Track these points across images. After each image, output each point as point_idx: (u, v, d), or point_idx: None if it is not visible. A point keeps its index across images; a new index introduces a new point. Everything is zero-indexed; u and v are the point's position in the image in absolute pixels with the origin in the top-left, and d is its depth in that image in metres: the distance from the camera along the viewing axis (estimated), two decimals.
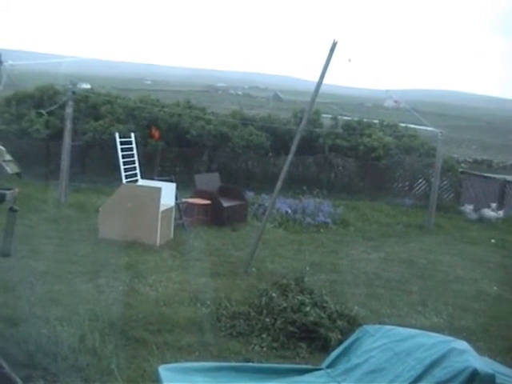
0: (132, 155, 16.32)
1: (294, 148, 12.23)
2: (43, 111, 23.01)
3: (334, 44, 11.51)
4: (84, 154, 24.02)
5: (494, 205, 22.67)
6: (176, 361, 7.11)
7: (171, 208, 15.14)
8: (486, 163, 34.77)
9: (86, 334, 7.81)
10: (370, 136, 26.21)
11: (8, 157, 7.82)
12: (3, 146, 7.74)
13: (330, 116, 30.40)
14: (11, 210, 7.74)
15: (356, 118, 30.15)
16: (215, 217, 17.08)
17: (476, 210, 23.05)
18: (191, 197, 17.60)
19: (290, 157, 12.31)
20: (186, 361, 7.18)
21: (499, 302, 12.12)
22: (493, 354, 7.40)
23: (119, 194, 14.42)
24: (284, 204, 19.09)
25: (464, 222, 22.21)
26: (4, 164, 7.46)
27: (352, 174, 26.03)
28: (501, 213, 22.33)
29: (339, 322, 8.91)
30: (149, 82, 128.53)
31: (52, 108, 21.02)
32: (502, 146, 57.03)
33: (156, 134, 22.46)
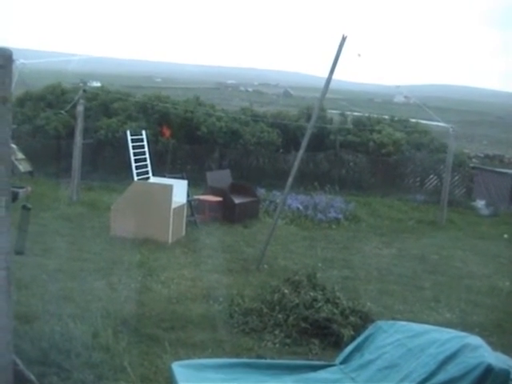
0: (143, 153, 16.35)
1: (304, 144, 12.21)
2: (62, 111, 23.08)
3: (344, 39, 11.48)
4: (95, 152, 24.07)
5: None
6: (189, 358, 7.10)
7: (183, 205, 15.16)
8: (498, 158, 34.62)
9: (99, 331, 7.84)
10: (380, 132, 26.18)
11: (20, 155, 7.88)
12: (15, 144, 7.79)
13: (339, 112, 30.33)
14: (24, 208, 7.77)
15: (366, 114, 30.12)
16: (227, 214, 17.10)
17: (488, 205, 23.00)
18: (203, 194, 17.64)
19: (301, 153, 12.29)
20: (199, 357, 7.18)
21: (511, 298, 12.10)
22: (506, 350, 7.38)
23: (131, 192, 14.44)
24: (295, 200, 19.10)
25: (476, 217, 22.17)
26: (17, 162, 7.52)
27: (363, 169, 25.98)
28: None
29: (352, 318, 8.89)
30: (159, 80, 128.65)
31: (67, 108, 21.08)
32: None
33: (167, 132, 22.50)
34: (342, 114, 29.12)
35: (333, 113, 29.51)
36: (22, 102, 26.08)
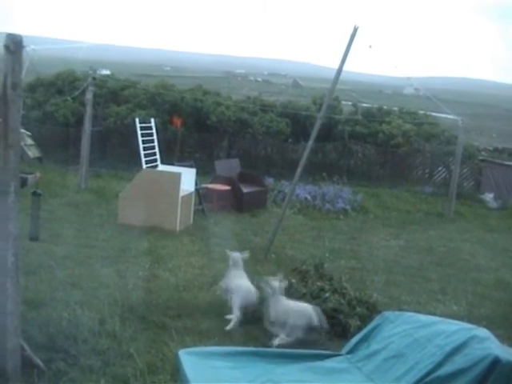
0: (152, 141, 16.35)
1: (314, 134, 12.19)
2: (68, 97, 23.14)
3: (355, 30, 11.45)
4: (104, 139, 24.09)
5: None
6: (196, 345, 7.11)
7: (191, 194, 15.17)
8: (507, 151, 34.50)
9: (106, 318, 7.85)
10: (389, 123, 26.15)
11: (30, 141, 7.89)
12: (25, 130, 7.80)
13: (349, 103, 30.33)
14: (35, 194, 7.79)
15: (376, 105, 30.09)
16: (235, 203, 17.11)
17: (496, 198, 22.97)
18: (211, 182, 17.64)
19: (310, 143, 12.27)
20: (206, 345, 7.19)
21: None
22: None
23: (139, 180, 14.45)
24: (303, 190, 19.11)
25: (484, 209, 22.17)
26: (26, 148, 7.53)
27: (372, 161, 25.98)
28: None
29: (358, 309, 8.89)
30: (168, 69, 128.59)
31: (76, 94, 21.12)
32: None
33: (178, 121, 22.50)
34: (354, 105, 29.13)
35: (343, 104, 29.48)
36: (33, 87, 26.14)
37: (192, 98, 25.40)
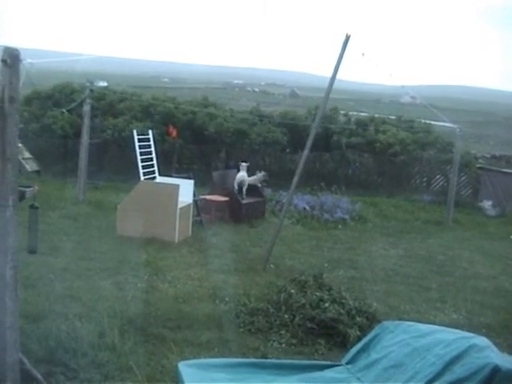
0: (150, 152, 16.38)
1: (309, 144, 12.20)
2: (64, 110, 23.17)
3: (347, 38, 11.48)
4: (102, 151, 24.12)
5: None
6: (195, 357, 7.11)
7: (189, 205, 15.18)
8: (505, 159, 34.52)
9: (106, 331, 7.84)
10: (385, 133, 26.20)
11: (27, 154, 7.90)
12: (22, 143, 7.81)
13: (344, 112, 30.41)
14: (32, 207, 7.81)
15: (375, 115, 30.17)
16: (233, 213, 17.11)
17: (494, 205, 22.98)
18: (209, 193, 17.65)
19: (306, 153, 12.28)
20: (206, 357, 7.18)
21: None
22: None
23: (137, 191, 14.46)
24: (302, 200, 19.11)
25: (483, 217, 22.17)
26: (24, 161, 7.53)
27: (369, 170, 26.02)
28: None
29: (358, 319, 8.89)
30: (166, 80, 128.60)
31: (72, 106, 21.14)
32: None
33: (173, 132, 22.52)
34: (346, 115, 29.16)
35: (342, 113, 29.52)
36: (29, 100, 26.17)
37: (190, 109, 25.43)
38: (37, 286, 9.79)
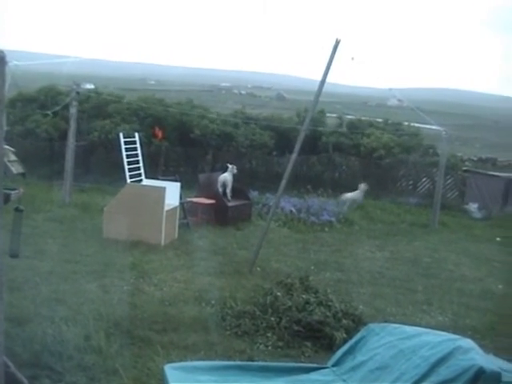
0: (136, 155, 16.35)
1: (297, 147, 12.22)
2: (49, 112, 23.09)
3: (337, 43, 11.52)
4: (88, 154, 24.08)
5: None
6: (182, 360, 7.10)
7: (176, 207, 15.16)
8: (491, 161, 34.72)
9: (91, 334, 7.83)
10: (369, 136, 26.28)
11: (13, 157, 7.84)
12: (11, 146, 7.76)
13: (334, 115, 30.46)
14: (17, 210, 7.75)
15: (363, 118, 30.26)
16: (219, 216, 17.08)
17: (480, 208, 23.06)
18: (195, 196, 17.62)
19: (294, 156, 12.31)
20: (192, 360, 7.17)
21: (504, 301, 12.11)
22: (498, 353, 7.40)
23: (124, 194, 14.44)
24: (288, 203, 19.10)
25: (469, 220, 22.26)
26: (9, 164, 7.48)
27: (356, 172, 26.05)
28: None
29: (344, 321, 8.91)
30: (152, 82, 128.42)
31: (57, 108, 21.08)
32: (509, 144, 56.89)
33: (159, 133, 22.48)
34: (339, 117, 29.24)
35: (328, 116, 29.56)
36: (14, 103, 26.06)
37: (176, 111, 25.42)
38: (22, 289, 9.76)
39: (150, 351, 7.73)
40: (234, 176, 18.12)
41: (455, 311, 10.86)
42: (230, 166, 18.21)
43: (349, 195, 18.33)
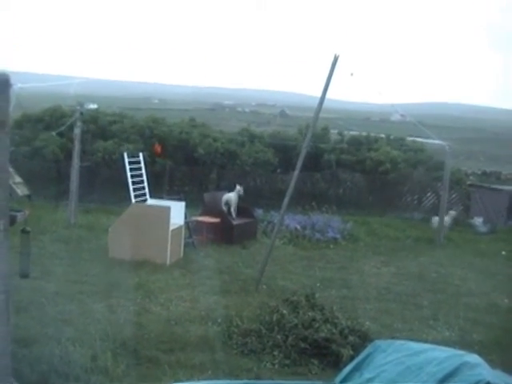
0: (141, 175, 16.39)
1: (299, 164, 12.24)
2: (53, 133, 23.16)
3: (336, 58, 11.58)
4: (93, 174, 24.08)
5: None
6: (189, 379, 7.10)
7: (181, 227, 15.17)
8: (495, 175, 34.68)
9: (98, 354, 7.82)
10: (376, 150, 26.29)
11: (18, 179, 7.88)
12: (13, 167, 7.79)
13: (336, 131, 30.49)
14: (23, 231, 7.80)
15: (364, 133, 30.24)
16: (225, 235, 17.08)
17: (485, 222, 23.04)
18: (200, 215, 17.63)
19: (296, 173, 12.33)
20: (199, 379, 7.17)
21: (511, 315, 12.08)
22: (506, 367, 7.40)
23: (129, 214, 14.46)
24: (293, 220, 19.11)
25: (474, 234, 22.22)
26: (14, 186, 7.51)
27: (360, 188, 26.06)
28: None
29: (351, 338, 8.89)
30: (156, 101, 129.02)
31: (61, 129, 21.14)
32: (511, 156, 56.91)
33: (158, 148, 22.53)
34: (340, 134, 29.24)
35: (331, 132, 29.58)
36: (19, 124, 26.15)
37: (179, 130, 25.50)
38: (29, 310, 9.77)
39: (157, 371, 7.73)
40: (239, 194, 18.13)
41: (462, 326, 10.84)
42: (237, 187, 18.26)
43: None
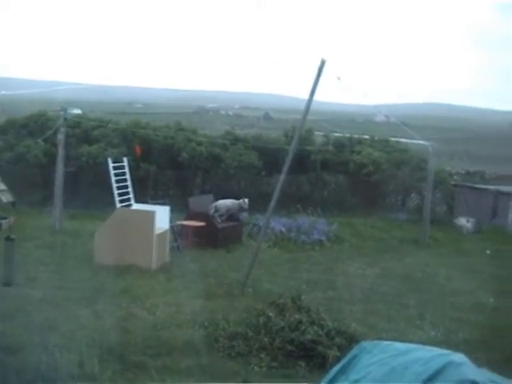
0: (125, 179, 16.35)
1: (286, 167, 12.29)
2: (39, 140, 23.12)
3: (323, 63, 11.62)
4: (77, 179, 24.03)
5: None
6: None
7: (166, 231, 15.15)
8: (479, 175, 34.78)
9: (85, 360, 7.81)
10: (359, 153, 26.31)
11: (2, 186, 7.88)
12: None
13: (321, 133, 30.50)
14: (8, 239, 7.80)
15: (347, 135, 30.26)
16: (210, 238, 17.06)
17: (470, 221, 23.12)
18: (185, 219, 17.61)
19: (282, 177, 12.37)
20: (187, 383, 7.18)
21: (496, 314, 12.14)
22: (491, 366, 7.43)
23: (114, 219, 14.44)
24: (278, 223, 19.09)
25: (458, 234, 22.29)
26: None
27: (345, 190, 26.10)
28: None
29: (337, 340, 8.93)
30: (139, 106, 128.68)
31: (46, 135, 21.09)
32: (495, 156, 57.15)
33: (138, 150, 22.49)
34: (326, 136, 29.26)
35: (315, 134, 29.60)
36: (3, 129, 26.11)
37: (164, 135, 25.47)
38: (14, 317, 9.75)
39: (144, 376, 7.73)
40: (225, 198, 18.15)
41: (447, 325, 10.91)
42: (244, 200, 18.54)
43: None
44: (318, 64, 11.75)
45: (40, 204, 21.83)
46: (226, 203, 18.06)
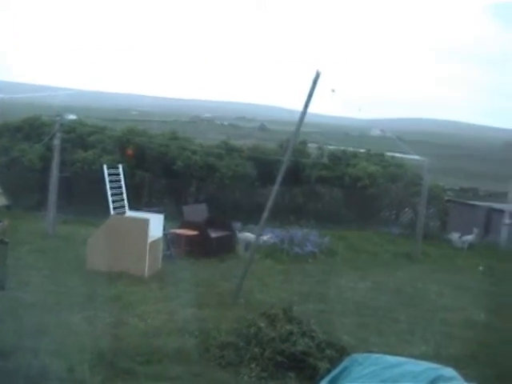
0: (120, 186, 16.38)
1: (279, 178, 12.31)
2: (36, 145, 23.12)
3: (318, 75, 11.67)
4: (72, 185, 24.00)
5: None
6: None
7: (159, 239, 15.15)
8: (472, 191, 34.95)
9: (75, 366, 7.81)
10: (354, 166, 26.33)
11: None
12: None
13: (315, 145, 30.53)
14: (1, 242, 7.79)
15: (342, 148, 30.27)
16: (203, 247, 17.05)
17: (462, 237, 23.16)
18: (179, 228, 17.60)
19: (276, 188, 12.39)
20: None
21: (486, 330, 12.17)
22: (481, 381, 7.45)
23: (107, 226, 14.44)
24: (271, 234, 19.07)
25: (451, 249, 22.31)
26: None
27: (339, 203, 26.09)
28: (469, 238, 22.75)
29: (328, 352, 8.93)
30: (135, 113, 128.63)
31: (44, 141, 21.09)
32: (488, 173, 57.36)
33: (130, 153, 22.48)
34: (320, 148, 29.25)
35: (310, 146, 29.63)
36: None
37: (159, 143, 25.46)
38: (6, 321, 9.72)
39: (134, 383, 7.72)
40: (219, 207, 18.15)
41: (438, 341, 10.91)
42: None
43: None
44: (313, 76, 11.81)
45: (34, 208, 21.81)
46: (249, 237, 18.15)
